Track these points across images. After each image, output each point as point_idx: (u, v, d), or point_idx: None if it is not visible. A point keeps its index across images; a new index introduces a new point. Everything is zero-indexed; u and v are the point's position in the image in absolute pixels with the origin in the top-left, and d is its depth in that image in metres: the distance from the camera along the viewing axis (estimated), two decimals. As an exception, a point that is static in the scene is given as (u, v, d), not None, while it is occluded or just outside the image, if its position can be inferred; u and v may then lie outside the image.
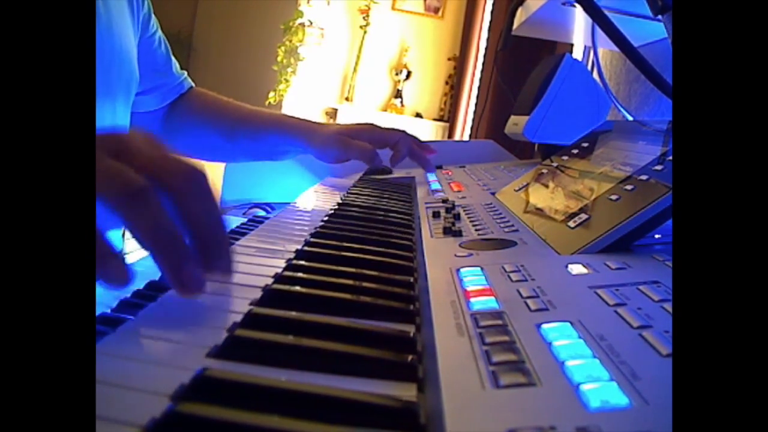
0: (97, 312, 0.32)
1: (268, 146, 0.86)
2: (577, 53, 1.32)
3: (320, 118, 3.88)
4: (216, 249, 0.32)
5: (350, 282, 0.38)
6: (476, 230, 0.51)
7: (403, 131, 0.86)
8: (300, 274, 0.39)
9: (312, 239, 0.49)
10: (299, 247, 0.46)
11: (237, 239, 0.50)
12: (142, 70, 0.77)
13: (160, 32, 0.83)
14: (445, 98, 3.93)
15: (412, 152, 0.86)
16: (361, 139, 0.81)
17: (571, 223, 0.45)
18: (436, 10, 3.91)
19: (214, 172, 1.28)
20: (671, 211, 0.39)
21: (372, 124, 0.84)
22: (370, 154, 0.79)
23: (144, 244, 0.30)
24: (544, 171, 0.65)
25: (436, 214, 0.59)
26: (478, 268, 0.38)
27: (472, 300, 0.32)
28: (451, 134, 3.57)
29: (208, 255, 0.32)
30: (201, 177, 0.32)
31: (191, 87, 0.89)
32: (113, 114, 0.69)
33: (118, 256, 0.29)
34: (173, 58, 0.86)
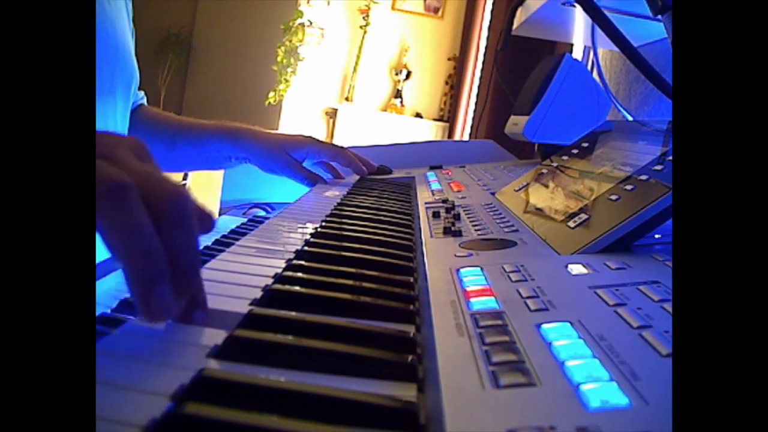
0: (97, 312, 0.32)
1: (209, 153, 0.86)
2: (577, 53, 1.32)
3: (320, 118, 3.88)
4: (187, 280, 0.30)
5: (350, 282, 0.38)
6: (476, 230, 0.51)
7: (342, 147, 0.91)
8: (300, 274, 0.39)
9: (312, 239, 0.49)
10: (299, 247, 0.46)
11: (237, 239, 0.50)
12: None
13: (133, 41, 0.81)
14: (445, 98, 3.92)
15: (351, 163, 0.91)
16: (304, 152, 0.86)
17: (571, 223, 0.45)
18: (436, 10, 3.91)
19: (214, 172, 1.27)
20: (671, 211, 0.39)
21: (311, 138, 0.88)
22: (316, 180, 0.86)
23: (115, 250, 0.27)
24: (544, 171, 0.65)
25: (436, 214, 0.59)
26: (478, 268, 0.38)
27: (472, 300, 0.32)
28: (451, 134, 3.57)
29: (180, 286, 0.29)
30: (184, 201, 0.29)
31: (141, 104, 0.88)
32: (114, 112, 0.69)
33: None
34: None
